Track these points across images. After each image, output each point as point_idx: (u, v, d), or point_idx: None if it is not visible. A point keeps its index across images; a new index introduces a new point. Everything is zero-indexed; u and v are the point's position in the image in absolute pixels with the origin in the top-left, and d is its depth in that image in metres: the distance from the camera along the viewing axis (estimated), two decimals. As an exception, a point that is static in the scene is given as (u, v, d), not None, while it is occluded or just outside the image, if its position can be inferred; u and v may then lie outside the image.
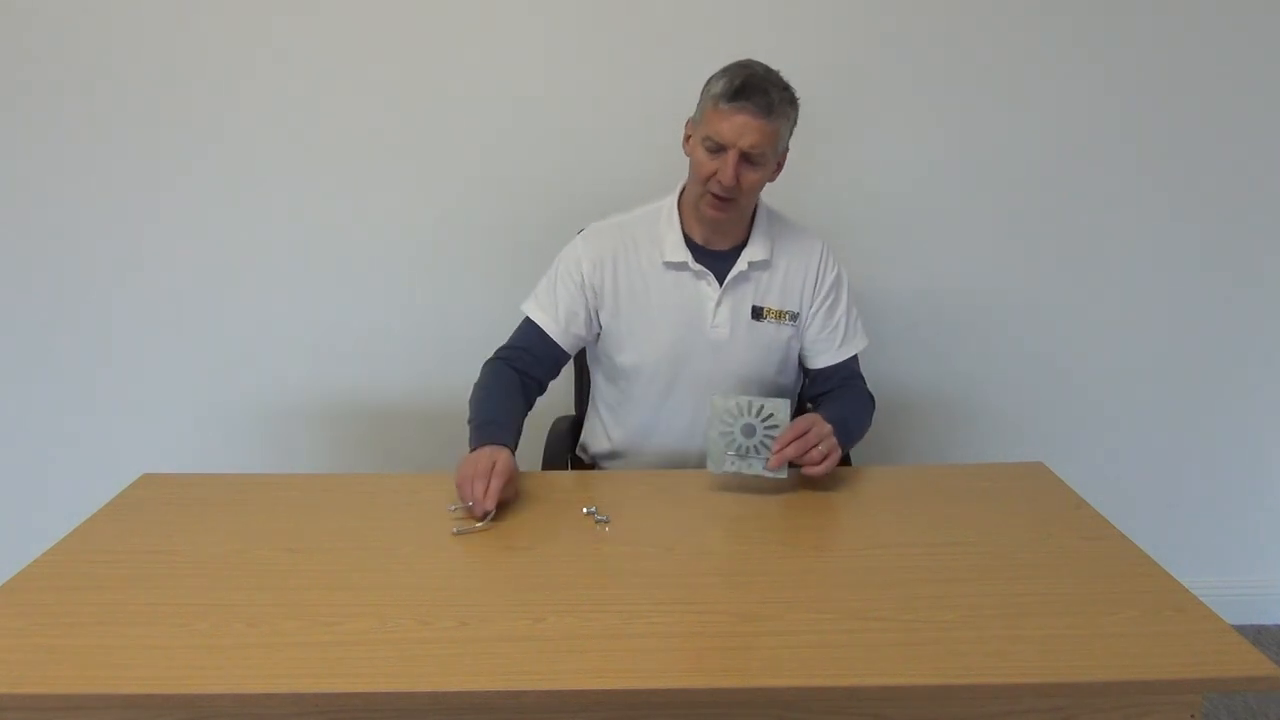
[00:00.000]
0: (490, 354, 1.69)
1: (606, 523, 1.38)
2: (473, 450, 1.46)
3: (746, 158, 1.52)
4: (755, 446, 1.45)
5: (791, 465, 1.46)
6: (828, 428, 1.48)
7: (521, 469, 1.62)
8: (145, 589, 1.20)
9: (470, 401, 1.59)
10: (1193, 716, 1.07)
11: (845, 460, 1.76)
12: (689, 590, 1.21)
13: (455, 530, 1.36)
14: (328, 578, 1.23)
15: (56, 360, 2.19)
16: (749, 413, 1.46)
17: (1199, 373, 2.26)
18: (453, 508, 1.40)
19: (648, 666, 1.05)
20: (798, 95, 1.56)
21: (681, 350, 1.67)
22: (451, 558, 1.30)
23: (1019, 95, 2.07)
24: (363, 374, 2.22)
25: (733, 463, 1.46)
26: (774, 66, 1.58)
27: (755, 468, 1.46)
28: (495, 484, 1.37)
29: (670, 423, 1.71)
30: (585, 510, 1.40)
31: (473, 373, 2.20)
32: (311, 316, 2.18)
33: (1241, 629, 1.89)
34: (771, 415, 1.45)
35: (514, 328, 1.71)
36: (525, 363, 1.66)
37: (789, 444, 1.43)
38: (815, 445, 1.45)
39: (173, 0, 1.98)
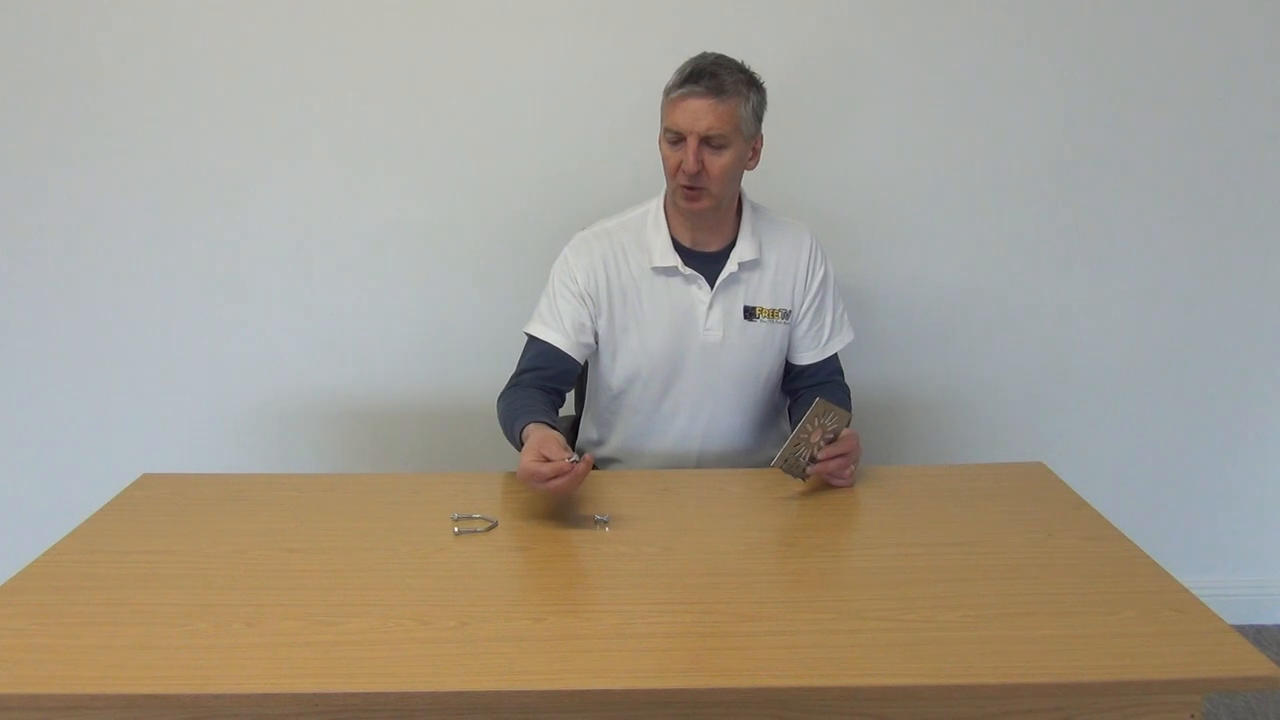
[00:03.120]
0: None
1: (607, 523, 1.38)
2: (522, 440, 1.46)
3: (708, 142, 1.51)
4: (806, 453, 1.47)
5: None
6: (861, 450, 1.52)
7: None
8: (145, 589, 1.20)
9: (501, 424, 1.59)
10: (1193, 716, 1.07)
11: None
12: (689, 590, 1.21)
13: (456, 530, 1.36)
14: (328, 578, 1.23)
15: (56, 360, 2.18)
16: (828, 424, 1.46)
17: (1199, 372, 2.26)
18: (456, 516, 1.40)
19: (648, 666, 1.05)
20: (760, 80, 1.56)
21: (675, 355, 1.66)
22: (451, 558, 1.30)
23: (1020, 90, 2.07)
24: (363, 374, 2.22)
25: (787, 467, 1.47)
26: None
27: (795, 479, 1.49)
28: (547, 465, 1.33)
29: (665, 427, 1.71)
30: (596, 518, 1.40)
31: (472, 372, 2.21)
32: (311, 317, 2.17)
33: (1241, 629, 1.88)
34: (835, 430, 1.47)
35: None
36: (540, 381, 1.64)
37: (834, 459, 1.46)
38: (850, 465, 1.50)
39: (173, 2, 1.98)
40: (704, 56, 1.54)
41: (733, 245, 1.65)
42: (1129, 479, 2.31)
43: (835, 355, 1.75)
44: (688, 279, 1.64)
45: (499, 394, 1.65)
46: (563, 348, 1.64)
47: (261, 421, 2.23)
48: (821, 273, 1.71)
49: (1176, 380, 2.27)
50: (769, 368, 1.71)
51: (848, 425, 1.50)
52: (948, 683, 1.02)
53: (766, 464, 1.76)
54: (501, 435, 1.60)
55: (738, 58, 1.56)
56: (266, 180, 2.09)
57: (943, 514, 1.42)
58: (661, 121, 1.57)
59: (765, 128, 1.60)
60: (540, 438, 1.39)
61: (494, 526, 1.38)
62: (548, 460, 1.34)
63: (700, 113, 1.49)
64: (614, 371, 1.70)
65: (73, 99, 2.03)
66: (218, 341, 2.18)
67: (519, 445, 1.48)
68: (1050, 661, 1.05)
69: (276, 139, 2.06)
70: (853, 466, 1.51)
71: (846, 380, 1.78)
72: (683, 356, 1.67)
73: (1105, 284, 2.20)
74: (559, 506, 1.47)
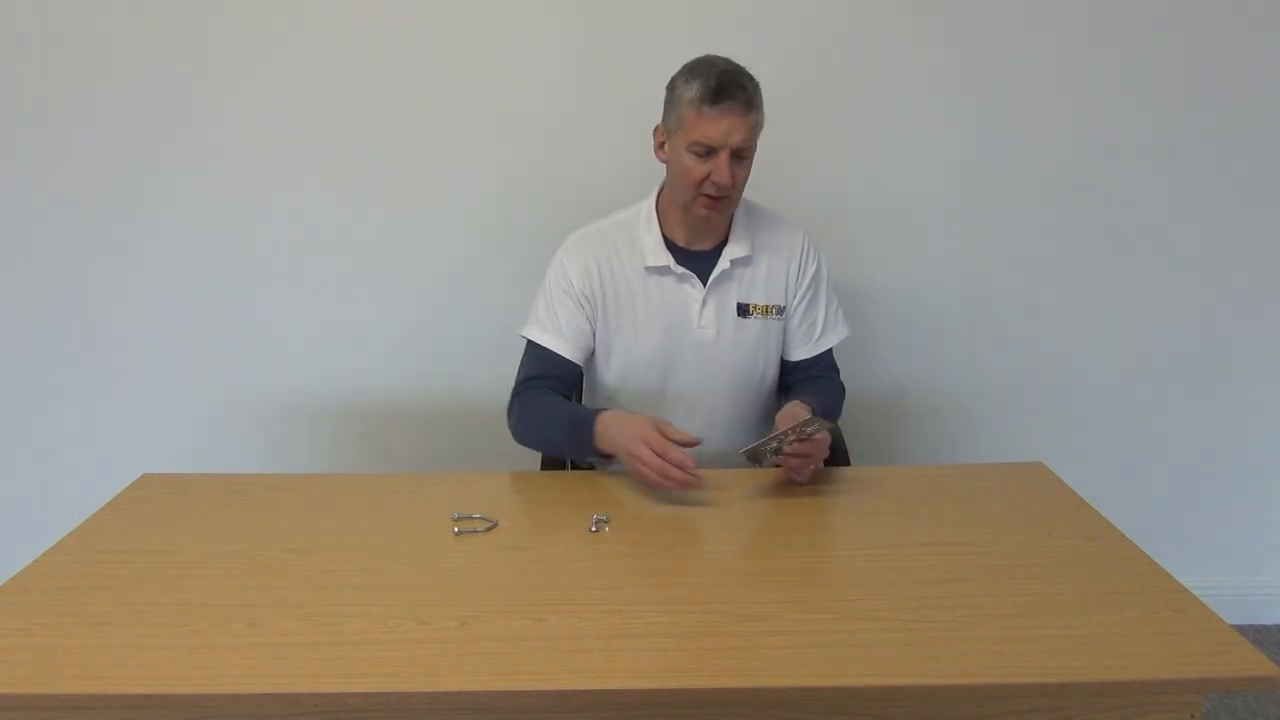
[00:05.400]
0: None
1: (606, 523, 1.38)
2: (595, 444, 1.50)
3: (736, 154, 1.52)
4: (775, 445, 1.46)
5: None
6: (825, 453, 1.51)
7: (521, 470, 1.63)
8: (145, 589, 1.20)
9: (535, 430, 1.59)
10: (1193, 716, 1.07)
11: (845, 460, 1.77)
12: (689, 590, 1.21)
13: (456, 530, 1.36)
14: (328, 578, 1.23)
15: (57, 360, 2.18)
16: (808, 430, 1.45)
17: (1199, 372, 2.26)
18: (456, 516, 1.40)
19: (648, 666, 1.05)
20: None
21: (670, 354, 1.67)
22: (451, 558, 1.30)
23: (1019, 92, 2.07)
24: (363, 374, 2.22)
25: (751, 454, 1.47)
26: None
27: (752, 464, 1.50)
28: (673, 454, 1.40)
29: (663, 425, 1.71)
30: (596, 518, 1.39)
31: (472, 372, 2.21)
32: (311, 317, 2.18)
33: (1241, 629, 1.88)
34: (811, 434, 1.46)
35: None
36: (550, 385, 1.64)
37: (798, 457, 1.46)
38: (811, 466, 1.50)
39: (173, 2, 1.98)
40: (714, 64, 1.52)
41: (724, 243, 1.66)
42: (1129, 479, 2.31)
43: (829, 351, 1.75)
44: (680, 278, 1.65)
45: (510, 404, 1.64)
46: (564, 354, 1.65)
47: (261, 421, 2.23)
48: (814, 268, 1.71)
49: (1176, 380, 2.27)
50: (765, 364, 1.71)
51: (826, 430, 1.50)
52: (948, 683, 1.02)
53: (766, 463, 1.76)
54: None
55: (732, 57, 1.56)
56: (266, 181, 2.09)
57: (943, 514, 1.42)
58: (678, 129, 1.54)
59: (766, 129, 1.60)
60: (648, 419, 1.44)
61: (494, 526, 1.38)
62: (666, 439, 1.41)
63: (734, 127, 1.49)
64: (609, 371, 1.70)
65: (73, 99, 2.03)
66: (218, 342, 2.18)
67: (580, 438, 1.51)
68: (1050, 661, 1.05)
69: (276, 140, 2.06)
70: (812, 466, 1.51)
71: (845, 378, 1.78)
72: (678, 355, 1.67)
73: (1105, 285, 2.20)
74: (559, 507, 1.47)
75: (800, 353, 1.73)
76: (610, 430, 1.48)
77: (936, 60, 2.05)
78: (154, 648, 1.08)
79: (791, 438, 1.44)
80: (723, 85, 1.48)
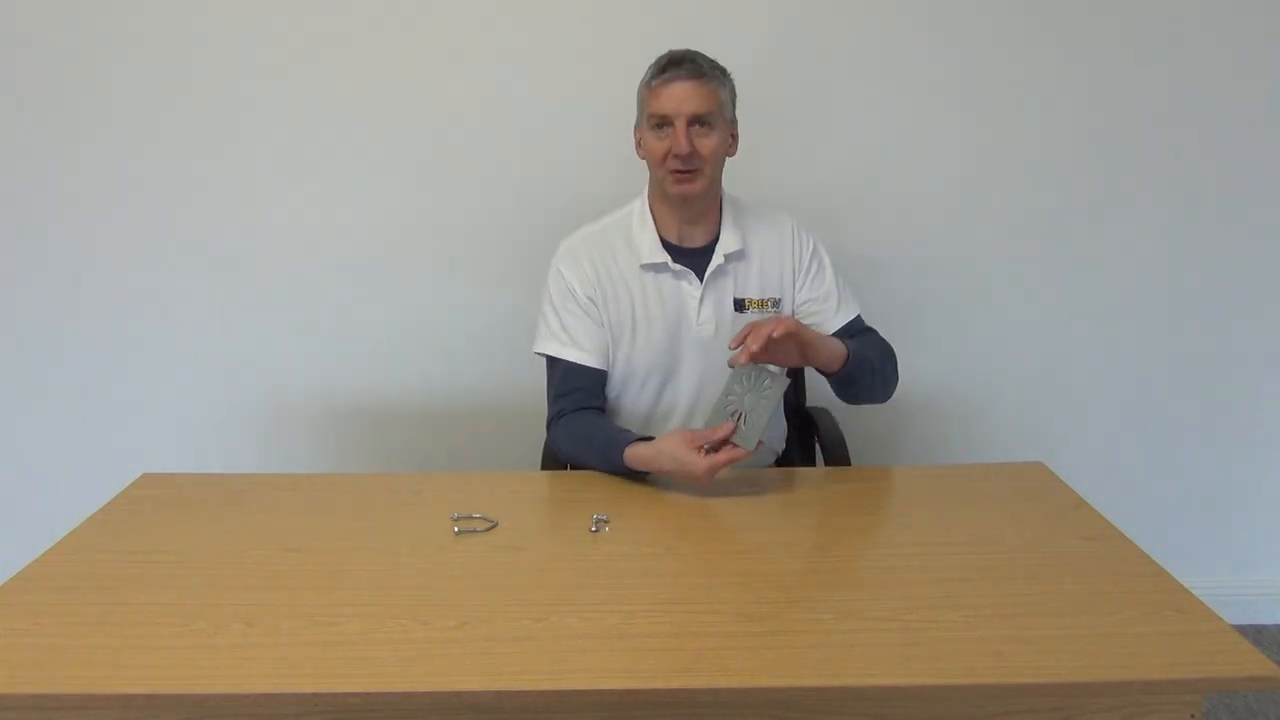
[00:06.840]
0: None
1: (607, 522, 1.38)
2: (631, 466, 1.50)
3: (695, 123, 1.54)
4: (746, 415, 1.44)
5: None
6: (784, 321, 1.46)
7: (521, 470, 1.63)
8: (145, 589, 1.20)
9: (583, 456, 1.59)
10: (1193, 716, 1.07)
11: (845, 460, 1.76)
12: (689, 590, 1.21)
13: (456, 530, 1.36)
14: (328, 578, 1.23)
15: (57, 360, 2.18)
16: (751, 383, 1.44)
17: (1199, 372, 2.26)
18: (456, 516, 1.40)
19: (648, 666, 1.05)
20: (728, 71, 1.60)
21: (670, 352, 1.67)
22: (451, 558, 1.30)
23: (1022, 91, 2.07)
24: (363, 374, 2.22)
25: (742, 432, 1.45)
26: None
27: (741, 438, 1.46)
28: (709, 459, 1.42)
29: (662, 426, 1.71)
30: (596, 518, 1.39)
31: (472, 372, 2.21)
32: (311, 316, 2.18)
33: (1241, 629, 1.88)
34: (768, 387, 1.44)
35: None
36: (585, 401, 1.64)
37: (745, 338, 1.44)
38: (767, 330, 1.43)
39: (176, 0, 1.98)
40: (671, 51, 1.58)
41: (717, 239, 1.66)
42: (1129, 479, 2.31)
43: (859, 317, 1.71)
44: (677, 274, 1.65)
45: (549, 426, 1.65)
46: (589, 363, 1.64)
47: (261, 421, 2.23)
48: (810, 247, 1.71)
49: (1176, 380, 2.26)
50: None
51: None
52: (948, 683, 1.02)
53: (765, 462, 1.76)
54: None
55: (721, 56, 1.58)
56: (266, 181, 2.09)
57: (943, 514, 1.41)
58: (641, 114, 1.60)
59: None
60: (680, 437, 1.45)
61: (494, 526, 1.38)
62: (702, 448, 1.42)
63: (686, 95, 1.53)
64: (612, 374, 1.70)
65: (73, 98, 2.03)
66: (218, 341, 2.18)
67: (612, 463, 1.51)
68: (1050, 661, 1.05)
69: (275, 140, 2.06)
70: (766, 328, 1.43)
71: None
72: (678, 353, 1.67)
73: (1106, 284, 2.20)
74: (559, 507, 1.47)
75: (827, 328, 1.68)
76: (643, 456, 1.49)
77: (943, 56, 2.05)
78: (154, 648, 1.08)
79: (739, 391, 1.42)
80: (671, 61, 1.55)
